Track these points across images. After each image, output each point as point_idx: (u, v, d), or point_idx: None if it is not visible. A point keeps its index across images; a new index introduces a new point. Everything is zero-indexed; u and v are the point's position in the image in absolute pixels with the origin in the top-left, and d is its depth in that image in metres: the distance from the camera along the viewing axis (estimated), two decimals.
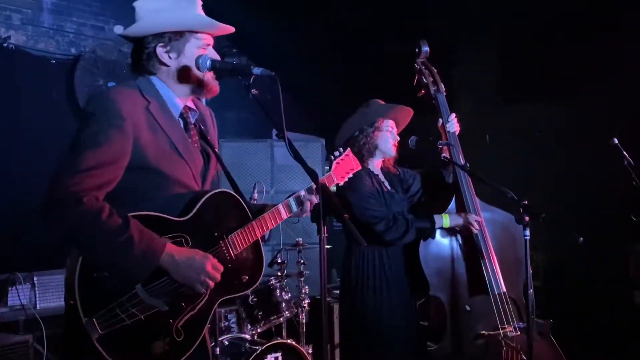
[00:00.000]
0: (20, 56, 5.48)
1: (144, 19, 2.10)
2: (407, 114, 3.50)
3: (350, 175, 2.63)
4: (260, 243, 2.27)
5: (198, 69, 2.12)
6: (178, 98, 2.16)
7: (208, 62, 2.12)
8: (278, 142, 6.15)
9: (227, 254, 2.14)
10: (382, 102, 3.47)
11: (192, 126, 2.21)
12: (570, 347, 3.42)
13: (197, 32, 2.14)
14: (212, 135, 2.32)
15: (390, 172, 3.51)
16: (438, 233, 3.27)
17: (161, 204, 2.01)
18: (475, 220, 3.24)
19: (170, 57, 2.12)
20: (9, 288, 4.37)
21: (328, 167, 2.62)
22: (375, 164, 3.44)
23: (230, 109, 7.10)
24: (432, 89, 3.46)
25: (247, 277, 2.20)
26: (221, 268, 2.06)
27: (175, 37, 2.11)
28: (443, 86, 3.48)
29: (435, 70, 3.50)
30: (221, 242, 2.13)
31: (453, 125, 3.43)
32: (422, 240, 3.23)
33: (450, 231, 3.30)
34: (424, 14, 5.72)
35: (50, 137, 5.38)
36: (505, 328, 3.17)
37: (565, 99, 5.23)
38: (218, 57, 2.19)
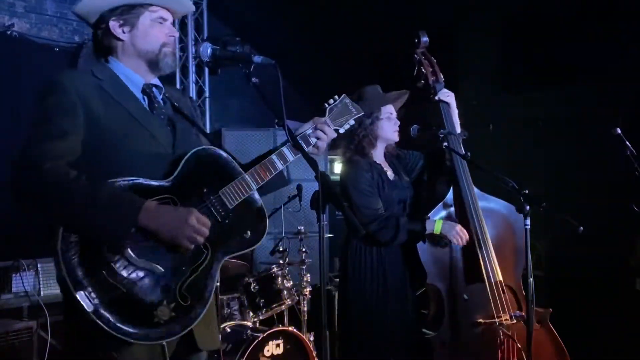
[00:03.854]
0: (23, 44, 5.49)
1: None
2: (403, 97, 3.47)
3: (352, 122, 2.46)
4: (258, 197, 2.18)
5: (199, 56, 2.13)
6: (137, 74, 2.13)
7: (209, 50, 2.12)
8: (281, 131, 6.15)
9: (220, 210, 2.06)
10: (378, 88, 3.43)
11: (160, 101, 2.16)
12: (572, 335, 3.44)
13: (150, 5, 2.11)
14: (186, 111, 2.26)
15: (394, 157, 3.50)
16: None
17: (136, 174, 1.95)
18: (462, 233, 3.21)
19: (123, 32, 2.10)
20: (13, 275, 4.40)
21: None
22: (378, 153, 3.42)
23: (232, 98, 7.10)
24: (431, 79, 3.44)
25: (249, 233, 2.13)
26: (207, 222, 1.96)
27: (128, 10, 2.09)
28: (442, 76, 3.47)
29: (435, 61, 3.49)
30: (212, 197, 2.06)
31: (445, 93, 3.40)
32: None
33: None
34: (425, 2, 5.70)
35: None
36: (501, 317, 3.20)
37: (567, 88, 5.21)
38: (176, 34, 2.17)
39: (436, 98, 3.41)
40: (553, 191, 4.69)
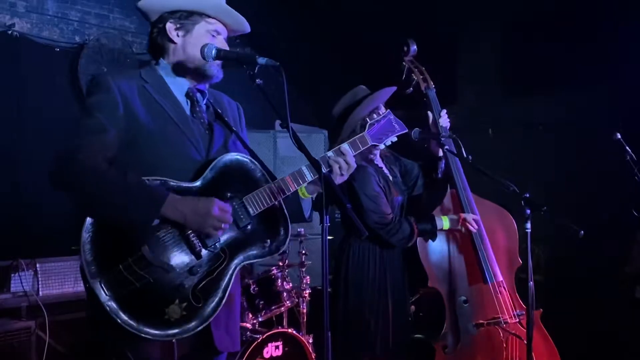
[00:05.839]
0: (24, 44, 5.48)
1: None
2: (388, 94, 3.50)
3: (394, 138, 2.41)
4: (284, 208, 2.21)
5: (204, 57, 2.15)
6: (183, 78, 2.21)
7: (213, 51, 2.14)
8: (281, 133, 6.14)
9: (242, 216, 2.10)
10: (365, 88, 3.44)
11: (202, 105, 2.24)
12: (572, 339, 3.45)
13: (209, 17, 2.20)
14: (229, 117, 2.33)
15: (388, 157, 3.51)
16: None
17: (168, 174, 2.03)
18: (473, 220, 3.25)
19: (177, 35, 2.19)
20: (12, 274, 4.39)
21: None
22: (379, 155, 3.43)
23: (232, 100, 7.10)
24: (423, 85, 3.50)
25: (269, 242, 2.17)
26: (228, 209, 2.04)
27: (187, 16, 2.18)
28: (432, 83, 3.51)
29: (424, 68, 3.53)
30: (235, 203, 2.10)
31: (445, 120, 3.44)
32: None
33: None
34: (427, 6, 5.71)
35: (53, 125, 5.40)
36: (504, 315, 3.22)
37: (567, 92, 5.23)
38: (226, 48, 2.22)
39: (445, 147, 3.36)
40: (553, 195, 4.70)
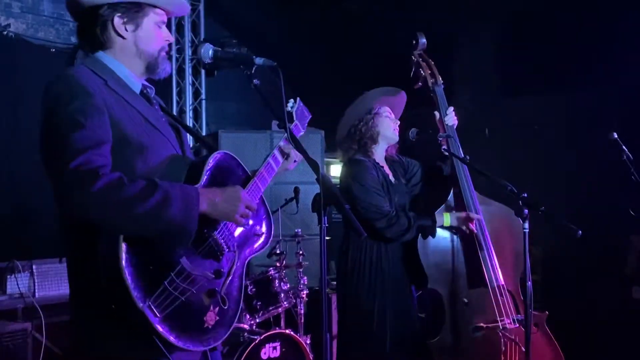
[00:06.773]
0: (20, 45, 5.47)
1: None
2: (401, 98, 3.49)
3: (305, 125, 2.63)
4: (264, 198, 2.25)
5: (200, 57, 2.10)
6: (134, 74, 2.03)
7: (210, 52, 2.09)
8: (278, 133, 6.14)
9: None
10: (377, 89, 3.45)
11: (154, 101, 2.10)
12: (569, 340, 3.44)
13: (156, 7, 2.04)
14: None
15: (394, 161, 3.50)
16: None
17: (159, 177, 1.88)
18: (475, 219, 3.24)
19: (127, 30, 1.98)
20: (8, 276, 4.38)
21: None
22: (380, 154, 3.42)
23: (229, 100, 7.10)
24: (430, 81, 3.44)
25: (263, 233, 2.21)
26: (251, 197, 2.02)
27: (134, 8, 1.99)
28: (440, 79, 3.47)
29: (433, 63, 3.50)
30: None
31: (451, 118, 3.41)
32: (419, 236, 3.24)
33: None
34: (423, 5, 5.72)
35: None
36: (503, 320, 3.19)
37: (564, 92, 5.24)
38: (172, 39, 2.14)
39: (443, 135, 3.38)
40: (549, 196, 4.70)
